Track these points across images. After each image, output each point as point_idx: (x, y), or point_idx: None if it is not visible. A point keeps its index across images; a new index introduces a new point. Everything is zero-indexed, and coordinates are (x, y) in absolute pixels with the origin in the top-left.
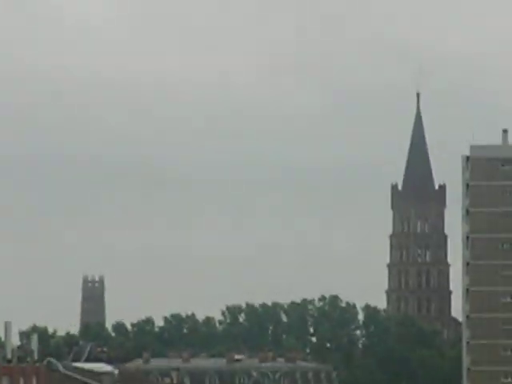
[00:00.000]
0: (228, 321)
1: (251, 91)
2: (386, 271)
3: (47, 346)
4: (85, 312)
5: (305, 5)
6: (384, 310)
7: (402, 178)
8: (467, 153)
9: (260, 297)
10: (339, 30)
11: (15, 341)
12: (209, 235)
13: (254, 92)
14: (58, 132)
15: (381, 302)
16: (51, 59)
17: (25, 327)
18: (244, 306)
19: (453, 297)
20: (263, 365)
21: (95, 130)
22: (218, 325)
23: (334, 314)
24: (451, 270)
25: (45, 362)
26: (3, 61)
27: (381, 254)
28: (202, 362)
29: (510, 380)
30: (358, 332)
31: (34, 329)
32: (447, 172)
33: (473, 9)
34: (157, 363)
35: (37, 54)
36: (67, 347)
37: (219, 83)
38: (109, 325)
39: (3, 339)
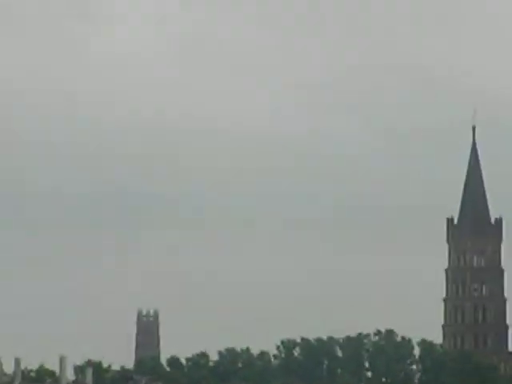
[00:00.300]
0: (283, 355)
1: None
2: (441, 306)
3: (102, 381)
4: (139, 346)
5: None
6: (440, 345)
7: (457, 212)
8: None
9: (315, 331)
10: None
11: (70, 375)
12: (263, 270)
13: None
14: (117, 169)
15: (437, 337)
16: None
17: (80, 362)
18: (299, 340)
19: (510, 332)
20: None
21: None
22: (272, 359)
23: (389, 348)
24: (508, 305)
25: None
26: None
27: (437, 288)
28: None
29: None
30: (414, 367)
31: (89, 363)
32: (504, 205)
33: None
34: None
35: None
36: (122, 382)
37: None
38: (163, 359)
39: (58, 374)
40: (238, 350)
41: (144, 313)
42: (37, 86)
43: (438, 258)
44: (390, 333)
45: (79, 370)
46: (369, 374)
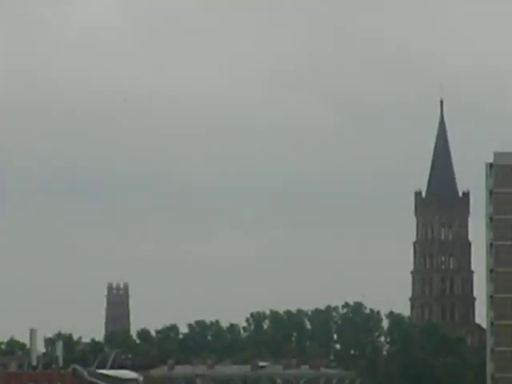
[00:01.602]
0: (252, 328)
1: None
2: (409, 278)
3: (72, 353)
4: (109, 319)
5: (316, 19)
6: (408, 317)
7: (425, 186)
8: (491, 160)
9: (284, 304)
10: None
11: (40, 348)
12: (232, 244)
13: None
14: (87, 146)
15: (405, 309)
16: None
17: (50, 334)
18: (268, 312)
19: (477, 304)
20: (287, 372)
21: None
22: (242, 332)
23: (357, 321)
24: (475, 277)
25: (70, 369)
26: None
27: (405, 261)
28: (227, 369)
29: None
30: (382, 339)
31: (59, 336)
32: (471, 179)
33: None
34: (181, 370)
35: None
36: (92, 354)
37: (227, 96)
38: (133, 332)
39: (29, 346)
40: (208, 322)
41: (114, 286)
42: None
43: (405, 230)
44: (359, 305)
45: (50, 342)
46: (337, 346)
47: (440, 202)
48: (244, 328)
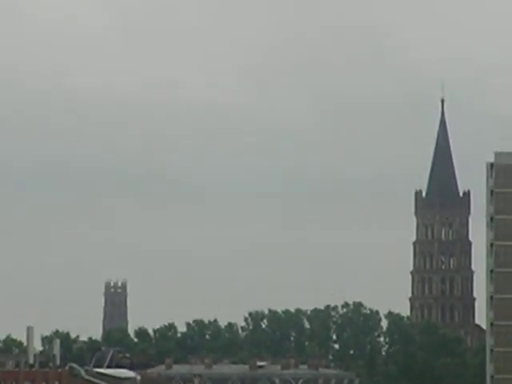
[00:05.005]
0: (251, 327)
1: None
2: (409, 278)
3: (69, 352)
4: (107, 317)
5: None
6: (407, 318)
7: (426, 185)
8: (492, 159)
9: (283, 303)
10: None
11: (37, 346)
12: (231, 243)
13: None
14: (80, 141)
15: (404, 310)
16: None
17: (47, 332)
18: (267, 312)
19: (477, 304)
20: (286, 371)
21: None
22: (240, 331)
23: (357, 320)
24: (475, 278)
25: (67, 368)
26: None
27: (404, 261)
28: (225, 369)
29: None
30: (382, 339)
31: (57, 334)
32: (472, 179)
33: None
34: (179, 369)
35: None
36: (89, 353)
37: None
38: (131, 330)
39: (26, 344)
40: (206, 321)
41: (112, 284)
42: None
43: (405, 230)
44: (358, 305)
45: (47, 340)
46: (336, 345)
47: (440, 201)
48: (242, 327)
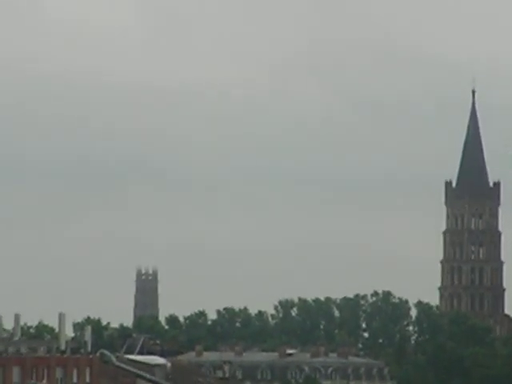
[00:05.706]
0: (280, 315)
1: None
2: (439, 268)
3: (100, 338)
4: (138, 305)
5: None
6: (437, 307)
7: (456, 176)
8: None
9: (313, 292)
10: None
11: (69, 332)
12: (262, 232)
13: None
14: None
15: (433, 299)
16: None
17: (79, 319)
18: (297, 300)
19: (506, 294)
20: (315, 359)
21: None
22: (270, 319)
23: (386, 309)
24: (505, 267)
25: (98, 354)
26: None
27: (434, 250)
28: (254, 356)
29: None
30: (411, 328)
31: (88, 321)
32: (502, 169)
33: None
34: (209, 356)
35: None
36: (120, 339)
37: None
38: (162, 318)
39: (57, 330)
40: (236, 309)
41: (143, 271)
42: None
43: (436, 220)
44: (388, 294)
45: (78, 326)
46: (365, 334)
47: (470, 191)
48: (272, 315)
